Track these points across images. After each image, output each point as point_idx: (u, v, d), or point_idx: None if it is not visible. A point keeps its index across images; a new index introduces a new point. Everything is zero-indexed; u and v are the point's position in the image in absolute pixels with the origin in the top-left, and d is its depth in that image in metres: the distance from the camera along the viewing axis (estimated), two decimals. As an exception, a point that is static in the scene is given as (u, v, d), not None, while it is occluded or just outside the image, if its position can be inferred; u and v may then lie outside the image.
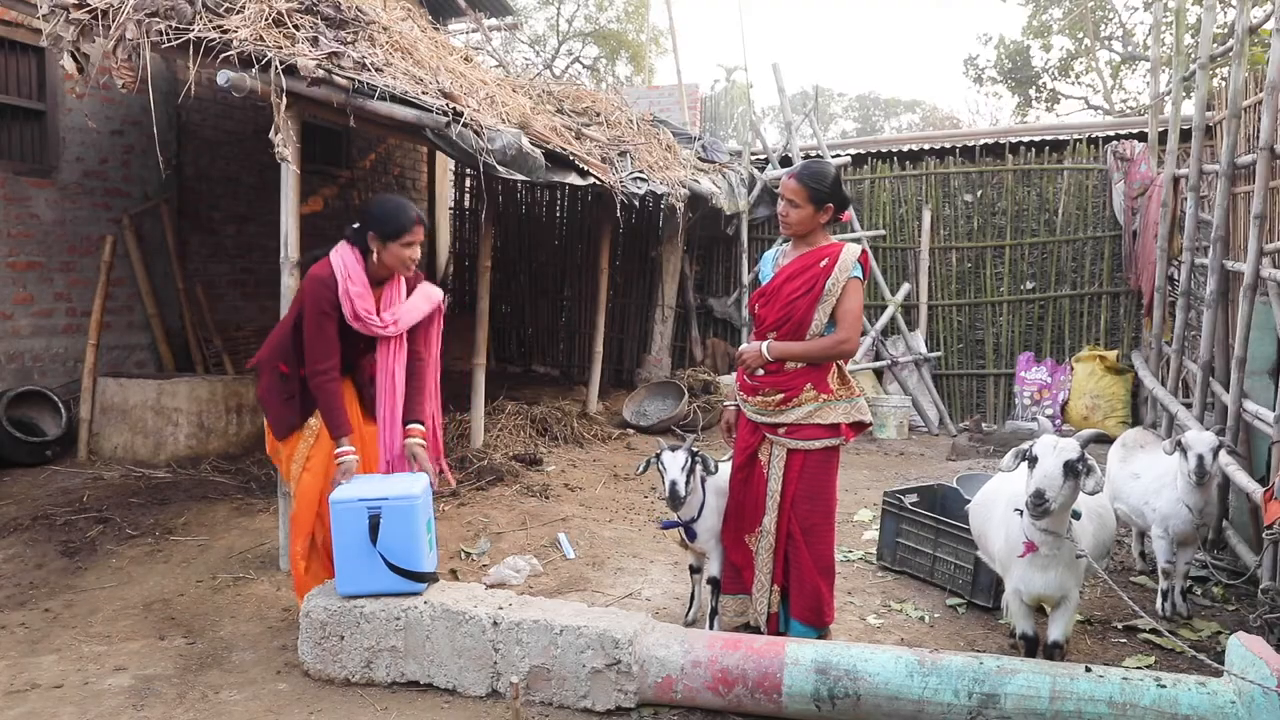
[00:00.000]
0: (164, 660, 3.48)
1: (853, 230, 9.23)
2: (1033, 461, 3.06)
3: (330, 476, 3.50)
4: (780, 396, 3.41)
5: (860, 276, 3.39)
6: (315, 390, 3.44)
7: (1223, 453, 4.04)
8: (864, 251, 3.42)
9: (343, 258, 3.47)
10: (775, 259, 3.59)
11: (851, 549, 5.10)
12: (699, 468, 3.58)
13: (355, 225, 3.53)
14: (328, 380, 3.44)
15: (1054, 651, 3.31)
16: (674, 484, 3.45)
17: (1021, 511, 3.14)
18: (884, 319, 9.13)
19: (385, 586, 3.33)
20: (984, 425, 8.94)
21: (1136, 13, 18.07)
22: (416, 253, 3.54)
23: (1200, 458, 3.86)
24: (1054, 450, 3.03)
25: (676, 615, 4.00)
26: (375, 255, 3.47)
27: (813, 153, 9.70)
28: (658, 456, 3.59)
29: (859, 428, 3.48)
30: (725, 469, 3.77)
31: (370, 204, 3.64)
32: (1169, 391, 6.18)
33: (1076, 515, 3.20)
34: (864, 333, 9.10)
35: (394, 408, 3.61)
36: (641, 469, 3.73)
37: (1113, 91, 19.03)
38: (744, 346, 3.53)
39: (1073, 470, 2.99)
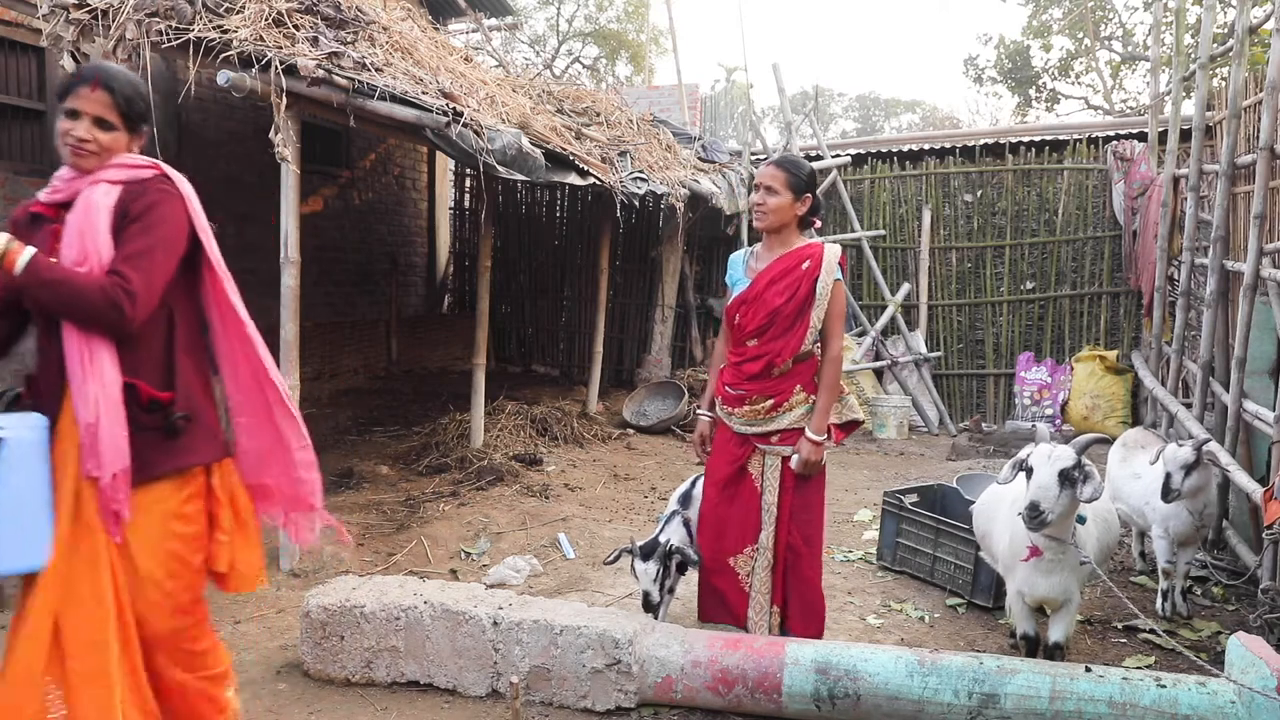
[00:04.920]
0: (164, 660, 3.47)
1: (852, 230, 9.24)
2: (1029, 472, 3.00)
3: None
4: (770, 402, 3.27)
5: (842, 279, 3.27)
6: None
7: (1222, 455, 4.02)
8: (843, 254, 3.30)
9: None
10: (745, 261, 3.41)
11: (851, 549, 5.10)
12: (675, 570, 3.52)
13: None
14: None
15: (1055, 652, 3.31)
16: (646, 594, 3.43)
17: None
18: (884, 319, 9.13)
19: None
20: (984, 425, 8.95)
21: (1136, 13, 18.08)
22: (79, 129, 2.21)
23: (1169, 475, 3.81)
24: (1049, 460, 2.95)
25: (675, 615, 4.00)
26: None
27: (813, 153, 9.69)
28: (630, 554, 3.49)
29: (849, 428, 3.36)
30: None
31: None
32: (1169, 391, 6.18)
33: (1081, 520, 3.18)
34: (864, 332, 9.13)
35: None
36: (612, 559, 3.63)
37: (1113, 91, 19.02)
38: (802, 459, 3.22)
39: (1068, 479, 2.93)
